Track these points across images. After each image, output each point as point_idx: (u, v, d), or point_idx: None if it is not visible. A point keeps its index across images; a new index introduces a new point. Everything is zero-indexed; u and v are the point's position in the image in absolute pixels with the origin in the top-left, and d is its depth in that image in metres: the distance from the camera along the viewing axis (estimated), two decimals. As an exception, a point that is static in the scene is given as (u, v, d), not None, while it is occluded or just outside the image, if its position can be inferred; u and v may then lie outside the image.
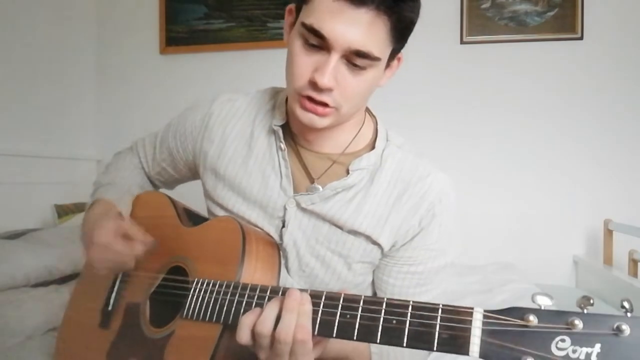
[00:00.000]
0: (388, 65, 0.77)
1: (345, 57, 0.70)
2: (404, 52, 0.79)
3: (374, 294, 0.88)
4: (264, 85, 0.96)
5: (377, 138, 0.85)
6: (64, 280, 1.53)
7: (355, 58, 0.70)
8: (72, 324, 0.96)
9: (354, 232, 0.81)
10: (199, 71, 2.55)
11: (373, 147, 0.84)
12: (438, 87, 2.35)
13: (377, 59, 0.71)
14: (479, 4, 2.30)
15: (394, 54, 0.76)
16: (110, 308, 0.89)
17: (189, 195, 1.11)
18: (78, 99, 2.52)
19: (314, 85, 0.71)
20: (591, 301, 0.48)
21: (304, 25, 0.70)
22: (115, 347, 0.84)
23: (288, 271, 0.85)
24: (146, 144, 1.05)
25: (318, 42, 0.70)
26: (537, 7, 2.26)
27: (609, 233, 2.09)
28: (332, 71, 0.70)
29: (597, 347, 0.46)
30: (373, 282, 0.88)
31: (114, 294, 0.90)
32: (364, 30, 0.67)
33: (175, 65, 2.59)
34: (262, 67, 2.45)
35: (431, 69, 2.35)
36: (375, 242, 0.82)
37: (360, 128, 0.86)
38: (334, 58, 0.69)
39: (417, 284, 0.83)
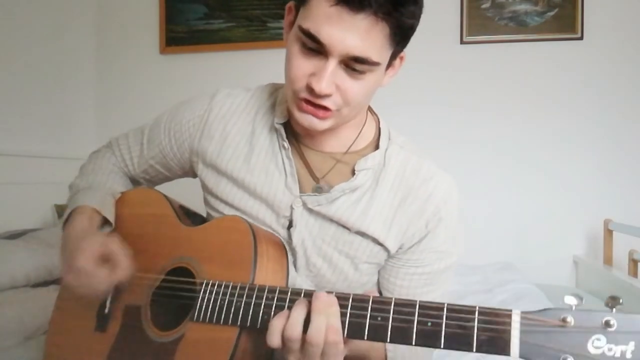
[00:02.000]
0: (390, 65, 0.76)
1: (344, 62, 0.68)
2: (405, 51, 0.78)
3: (379, 293, 0.88)
4: (264, 86, 0.95)
5: (381, 137, 0.84)
6: (64, 280, 1.53)
7: (354, 63, 0.68)
8: (63, 329, 0.92)
9: (361, 234, 0.81)
10: (199, 71, 2.55)
11: (376, 146, 0.84)
12: (438, 87, 2.35)
13: (376, 64, 0.69)
14: (479, 4, 2.31)
15: (395, 55, 0.75)
16: (106, 311, 0.85)
17: (183, 193, 1.06)
18: (78, 99, 2.52)
19: (311, 90, 0.70)
20: (620, 300, 0.51)
21: (301, 29, 0.69)
22: (117, 351, 0.81)
23: (296, 270, 0.84)
24: (130, 141, 0.98)
25: (315, 46, 0.68)
26: (537, 7, 2.26)
27: (609, 233, 2.09)
28: (329, 77, 0.68)
29: (632, 345, 0.49)
30: (378, 282, 0.88)
31: (109, 297, 0.86)
32: (362, 36, 0.66)
33: (175, 65, 2.59)
34: (262, 67, 2.44)
35: (431, 69, 2.35)
36: (381, 244, 0.81)
37: (363, 127, 0.85)
38: (332, 64, 0.68)
39: (424, 284, 0.83)
